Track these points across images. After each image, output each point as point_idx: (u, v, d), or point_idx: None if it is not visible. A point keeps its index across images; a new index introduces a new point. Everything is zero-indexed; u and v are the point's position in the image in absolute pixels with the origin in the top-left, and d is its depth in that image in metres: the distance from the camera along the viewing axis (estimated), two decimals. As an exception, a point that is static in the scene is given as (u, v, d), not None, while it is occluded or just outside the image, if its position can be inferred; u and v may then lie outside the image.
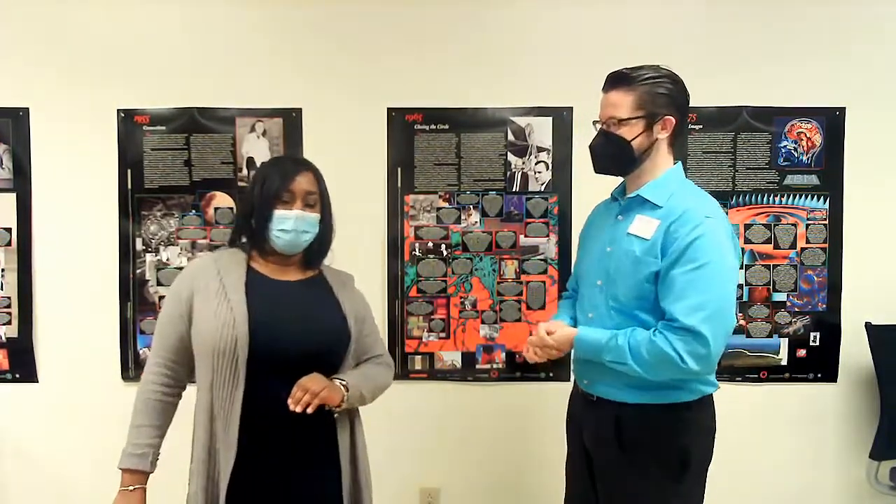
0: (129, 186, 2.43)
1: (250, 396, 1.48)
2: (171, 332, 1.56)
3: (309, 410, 1.45)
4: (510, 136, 2.44)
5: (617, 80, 1.66)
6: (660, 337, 1.54)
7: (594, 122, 1.74)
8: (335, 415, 1.55)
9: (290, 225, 1.55)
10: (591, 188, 1.93)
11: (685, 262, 1.54)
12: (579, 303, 1.81)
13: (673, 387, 1.63)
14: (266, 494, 1.51)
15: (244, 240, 1.64)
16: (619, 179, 1.80)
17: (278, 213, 1.55)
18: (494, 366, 2.47)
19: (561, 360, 1.91)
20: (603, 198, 1.89)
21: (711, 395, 1.69)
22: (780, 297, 2.46)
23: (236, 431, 1.47)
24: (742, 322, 2.46)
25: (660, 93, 1.64)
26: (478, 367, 2.48)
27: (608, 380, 1.66)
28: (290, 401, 1.44)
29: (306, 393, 1.44)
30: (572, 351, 1.72)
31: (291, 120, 2.42)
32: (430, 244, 2.46)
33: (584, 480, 1.77)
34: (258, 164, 2.38)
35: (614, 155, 1.67)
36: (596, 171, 1.76)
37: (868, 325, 2.38)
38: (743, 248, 2.45)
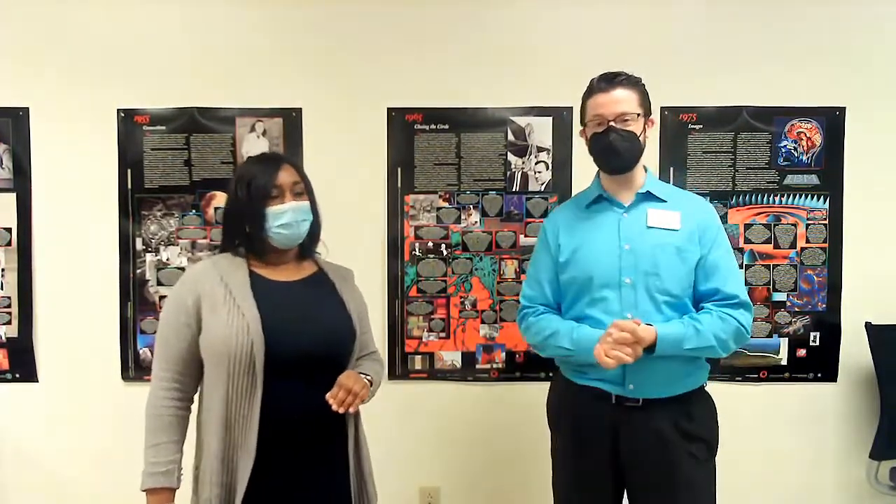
0: (129, 186, 2.43)
1: (267, 401, 1.47)
2: (177, 342, 1.52)
3: (351, 410, 1.49)
4: (510, 136, 2.44)
5: (617, 79, 1.70)
6: (725, 316, 1.66)
7: (590, 123, 1.73)
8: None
9: (287, 218, 1.55)
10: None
11: (718, 247, 1.72)
12: (598, 306, 1.71)
13: (701, 368, 1.74)
14: (281, 494, 1.51)
15: (237, 243, 1.61)
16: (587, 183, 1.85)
17: (272, 209, 1.54)
18: (494, 366, 2.47)
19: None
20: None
21: None
22: (780, 296, 2.46)
23: (255, 437, 1.46)
24: (742, 322, 2.46)
25: (646, 94, 1.74)
26: (478, 367, 2.48)
27: (657, 378, 1.66)
28: (331, 401, 1.46)
29: (349, 393, 1.47)
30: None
31: (291, 120, 2.43)
32: (430, 244, 2.46)
33: (605, 497, 1.75)
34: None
35: (631, 150, 1.70)
36: (610, 170, 1.74)
37: (868, 325, 2.38)
38: (743, 248, 2.45)
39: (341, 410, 1.46)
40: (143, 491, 1.50)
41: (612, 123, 1.67)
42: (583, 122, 1.78)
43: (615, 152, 1.69)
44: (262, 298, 1.52)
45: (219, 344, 1.47)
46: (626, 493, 1.78)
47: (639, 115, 1.70)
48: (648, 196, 1.74)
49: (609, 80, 1.70)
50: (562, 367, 1.84)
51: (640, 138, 1.71)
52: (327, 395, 1.47)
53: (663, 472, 1.67)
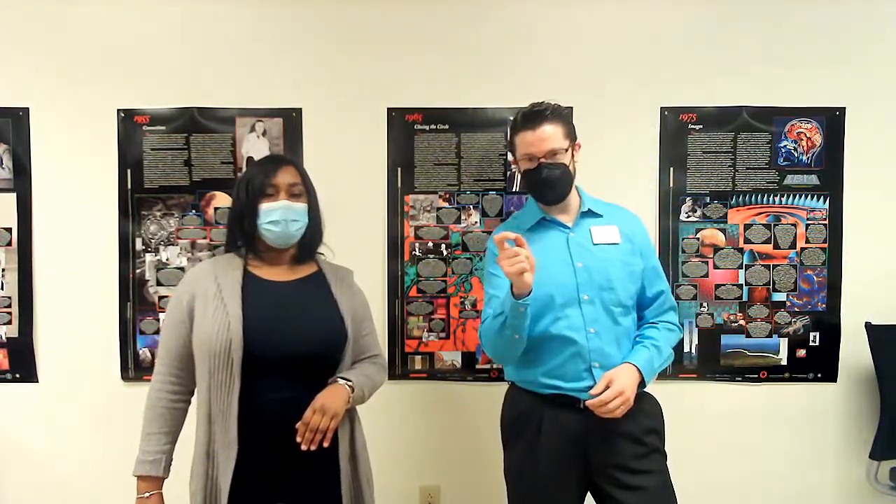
0: (129, 186, 2.42)
1: (247, 398, 1.50)
2: (175, 338, 1.58)
3: (325, 444, 1.49)
4: (510, 136, 2.43)
5: (542, 116, 1.76)
6: (670, 326, 1.84)
7: (521, 159, 1.80)
8: None
9: (278, 215, 1.58)
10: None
11: (652, 254, 1.90)
12: (563, 324, 1.73)
13: None
14: (266, 494, 1.52)
15: (240, 244, 1.65)
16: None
17: (264, 206, 1.58)
18: (494, 366, 2.47)
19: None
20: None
21: None
22: (779, 297, 2.46)
23: (235, 432, 1.48)
24: (742, 322, 2.46)
25: (571, 122, 1.83)
26: (478, 367, 2.48)
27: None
28: (299, 439, 1.47)
29: (315, 432, 1.48)
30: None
31: (291, 120, 2.43)
32: (430, 244, 2.46)
33: (572, 497, 1.78)
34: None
35: (563, 182, 1.78)
36: (552, 202, 1.82)
37: (868, 325, 2.38)
38: (742, 248, 2.45)
39: (314, 447, 1.48)
40: (135, 476, 1.57)
41: (542, 160, 1.75)
42: (513, 154, 1.86)
43: (549, 186, 1.77)
44: (249, 297, 1.55)
45: (202, 340, 1.52)
46: (594, 499, 1.80)
47: (566, 148, 1.76)
48: (588, 213, 1.84)
49: (534, 118, 1.76)
50: (521, 379, 1.83)
51: (570, 167, 1.79)
52: (298, 431, 1.48)
53: (629, 469, 1.71)
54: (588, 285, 1.75)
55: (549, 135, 1.74)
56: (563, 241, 1.80)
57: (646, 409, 1.79)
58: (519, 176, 2.44)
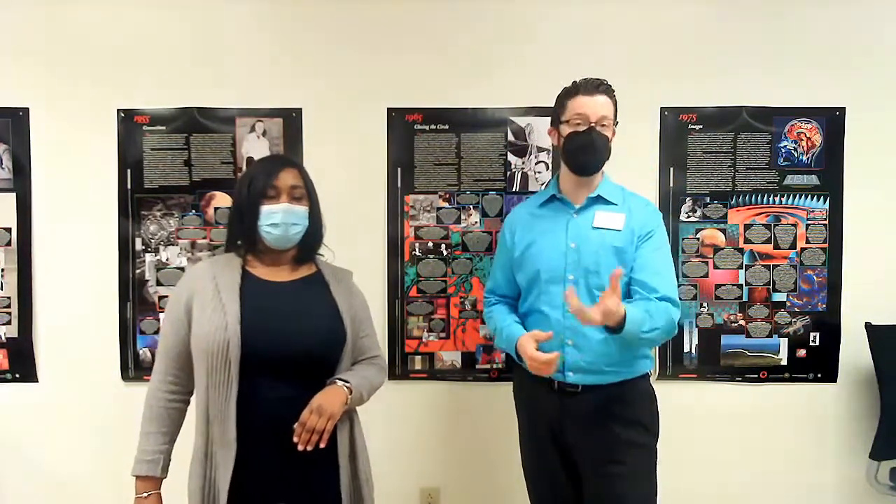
0: (129, 186, 2.42)
1: (245, 398, 1.49)
2: (173, 338, 1.58)
3: (321, 445, 1.48)
4: (510, 136, 2.44)
5: (600, 87, 1.81)
6: (661, 305, 1.74)
7: (569, 122, 1.81)
8: None
9: (278, 218, 1.57)
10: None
11: (651, 244, 1.82)
12: (544, 300, 1.83)
13: (641, 357, 1.82)
14: (265, 494, 1.52)
15: (240, 243, 1.66)
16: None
17: (265, 208, 1.58)
18: (494, 366, 2.47)
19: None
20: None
21: None
22: (779, 297, 2.46)
23: (234, 433, 1.48)
24: (742, 322, 2.46)
25: (616, 105, 1.85)
26: (478, 367, 2.48)
27: (595, 366, 1.77)
28: (296, 439, 1.47)
29: (312, 432, 1.47)
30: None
31: (291, 120, 2.43)
32: (430, 244, 2.46)
33: (560, 478, 1.86)
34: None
35: (605, 151, 1.81)
36: (582, 168, 1.83)
37: (868, 325, 2.38)
38: (742, 248, 2.45)
39: (310, 448, 1.47)
40: (133, 476, 1.57)
41: (593, 124, 1.78)
42: (557, 122, 1.87)
43: (594, 150, 1.79)
44: (247, 297, 1.55)
45: (201, 340, 1.51)
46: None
47: (612, 122, 1.82)
48: (599, 199, 1.86)
49: (595, 85, 1.81)
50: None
51: (610, 144, 1.83)
52: (295, 431, 1.48)
53: (602, 457, 1.77)
54: (575, 266, 1.80)
55: (601, 104, 1.79)
56: (564, 220, 1.86)
57: (635, 402, 1.81)
58: (521, 175, 2.44)
